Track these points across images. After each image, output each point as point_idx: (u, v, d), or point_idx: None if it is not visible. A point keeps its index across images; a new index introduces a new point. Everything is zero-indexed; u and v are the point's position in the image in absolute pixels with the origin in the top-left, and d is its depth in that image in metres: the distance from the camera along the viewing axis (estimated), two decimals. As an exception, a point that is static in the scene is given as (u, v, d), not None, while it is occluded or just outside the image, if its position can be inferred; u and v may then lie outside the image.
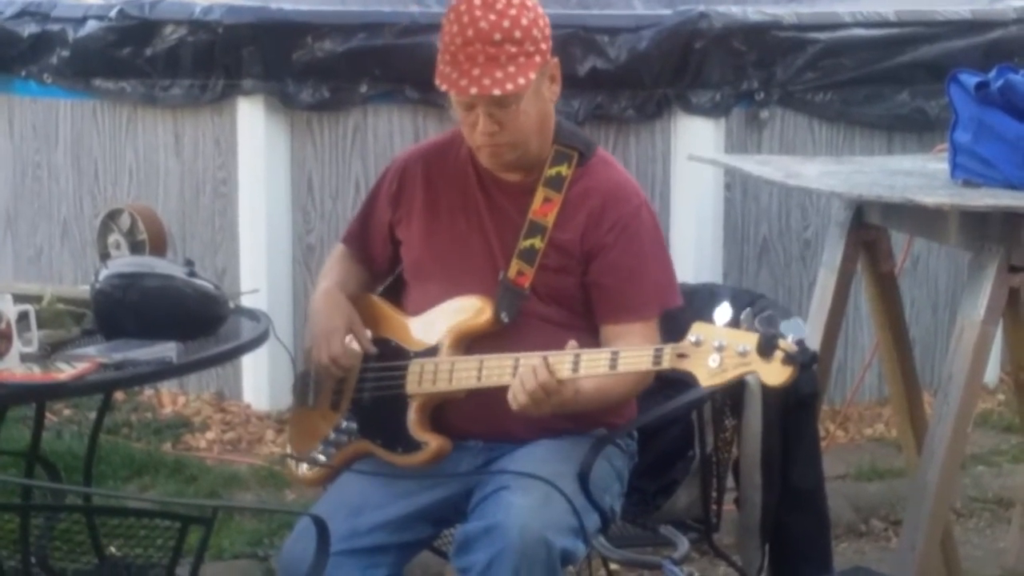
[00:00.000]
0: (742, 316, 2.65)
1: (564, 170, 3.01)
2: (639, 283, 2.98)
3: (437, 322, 3.01)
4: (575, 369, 2.77)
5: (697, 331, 2.67)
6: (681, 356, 2.68)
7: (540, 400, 2.77)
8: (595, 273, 2.99)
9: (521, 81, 2.85)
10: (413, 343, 3.04)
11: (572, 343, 2.79)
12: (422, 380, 2.97)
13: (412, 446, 2.98)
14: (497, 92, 2.84)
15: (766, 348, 2.60)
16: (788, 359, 2.60)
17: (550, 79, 2.96)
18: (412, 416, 2.98)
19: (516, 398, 2.78)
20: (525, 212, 3.00)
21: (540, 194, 3.00)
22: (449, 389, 2.94)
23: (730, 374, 2.64)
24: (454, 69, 2.87)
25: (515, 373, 2.81)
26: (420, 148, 3.21)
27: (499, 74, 2.84)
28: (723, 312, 2.65)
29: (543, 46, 2.91)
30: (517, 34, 2.86)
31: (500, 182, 3.04)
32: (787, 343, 2.60)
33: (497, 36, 2.85)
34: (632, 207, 3.01)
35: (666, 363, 2.70)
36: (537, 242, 2.98)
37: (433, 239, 3.07)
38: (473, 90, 2.85)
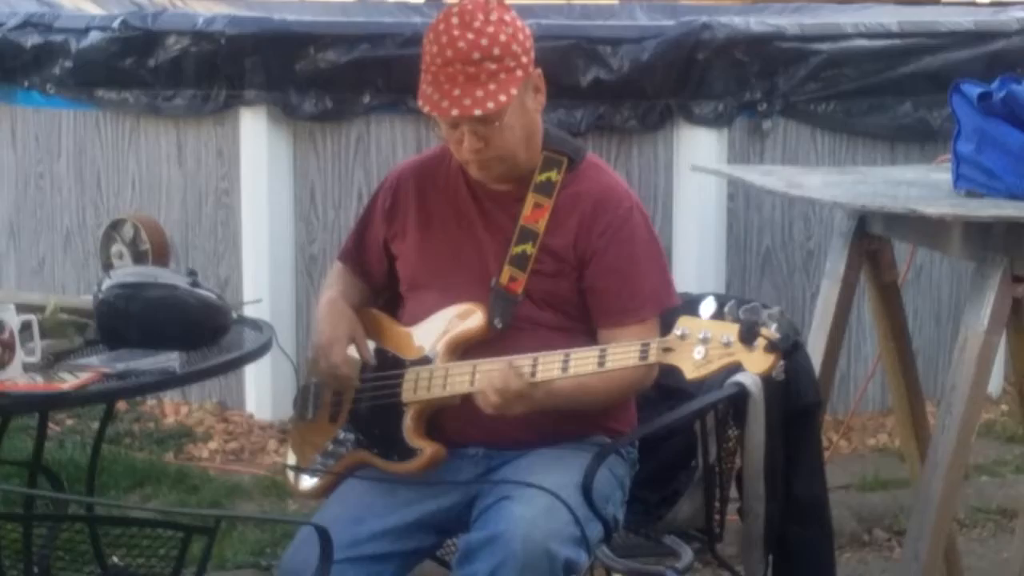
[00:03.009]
0: (726, 308, 2.65)
1: (554, 176, 3.01)
2: (634, 286, 2.98)
3: (432, 330, 3.02)
4: (565, 368, 2.79)
5: (683, 324, 2.68)
6: (667, 350, 2.70)
7: (510, 401, 2.80)
8: (590, 278, 2.99)
9: (502, 98, 2.85)
10: (409, 352, 3.04)
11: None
12: (417, 388, 2.98)
13: (407, 453, 2.98)
14: (478, 112, 2.84)
15: (748, 336, 2.60)
16: (771, 346, 2.60)
17: (534, 90, 2.96)
18: (408, 424, 2.98)
19: (487, 399, 2.81)
20: (516, 219, 3.00)
21: (530, 200, 3.00)
22: (444, 395, 2.94)
23: (715, 365, 2.64)
24: (435, 90, 2.87)
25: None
26: (412, 163, 3.21)
27: (479, 93, 2.84)
28: (708, 305, 2.66)
29: (524, 60, 2.90)
30: (496, 51, 2.85)
31: (491, 192, 3.04)
32: (769, 331, 2.60)
33: (476, 55, 2.84)
34: (623, 210, 3.01)
35: (652, 357, 2.71)
36: (528, 248, 2.98)
37: (427, 251, 3.07)
38: (454, 111, 2.85)
